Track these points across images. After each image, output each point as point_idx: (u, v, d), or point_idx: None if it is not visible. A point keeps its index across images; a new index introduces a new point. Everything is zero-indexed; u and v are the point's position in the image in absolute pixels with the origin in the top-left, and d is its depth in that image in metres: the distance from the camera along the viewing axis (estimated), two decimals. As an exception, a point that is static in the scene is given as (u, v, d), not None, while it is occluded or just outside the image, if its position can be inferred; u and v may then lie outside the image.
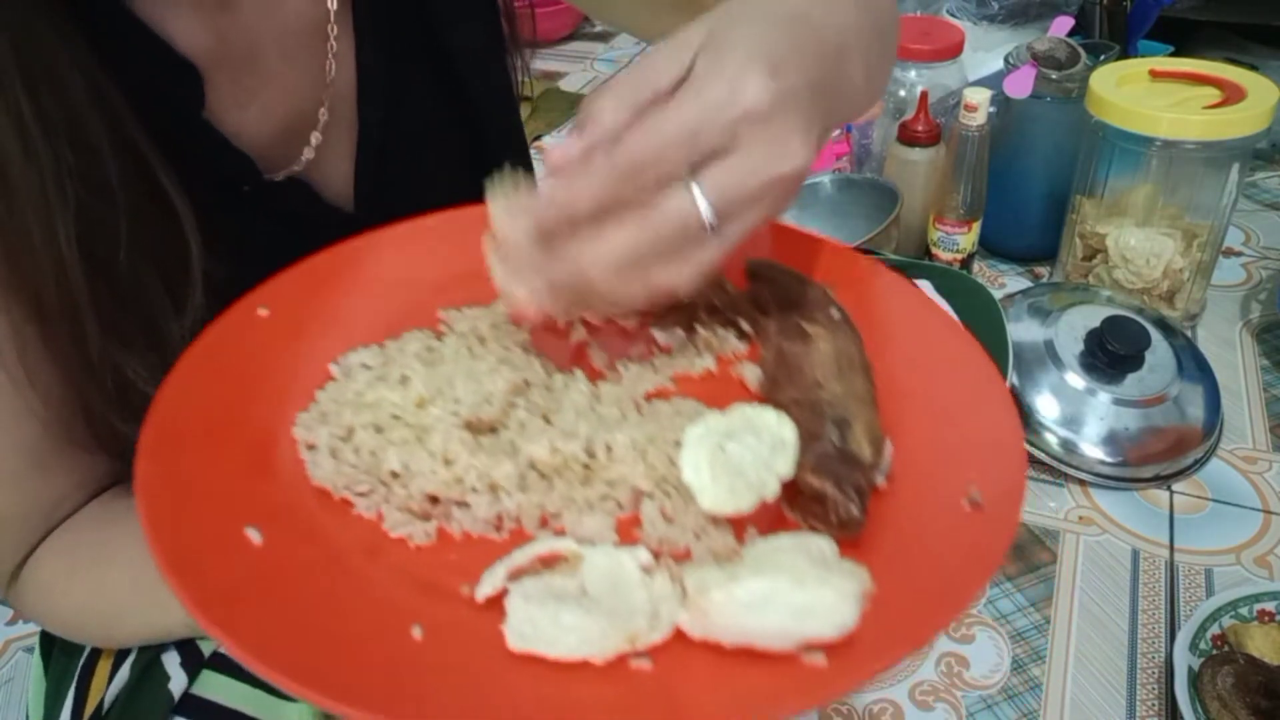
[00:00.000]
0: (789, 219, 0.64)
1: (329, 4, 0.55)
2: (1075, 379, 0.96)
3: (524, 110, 1.75)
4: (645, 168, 0.35)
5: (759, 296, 0.49)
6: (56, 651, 0.55)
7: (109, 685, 0.49)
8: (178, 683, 0.47)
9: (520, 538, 0.37)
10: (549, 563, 0.34)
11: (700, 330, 0.48)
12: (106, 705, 0.49)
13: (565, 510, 0.38)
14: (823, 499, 0.36)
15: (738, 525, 0.37)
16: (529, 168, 0.70)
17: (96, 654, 0.52)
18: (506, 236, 0.38)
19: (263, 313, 0.44)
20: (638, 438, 0.39)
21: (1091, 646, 0.82)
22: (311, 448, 0.39)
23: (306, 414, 0.41)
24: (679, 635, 0.31)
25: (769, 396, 0.43)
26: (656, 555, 0.35)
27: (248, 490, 0.36)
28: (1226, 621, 0.78)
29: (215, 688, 0.47)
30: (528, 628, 0.31)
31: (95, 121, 0.43)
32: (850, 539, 0.35)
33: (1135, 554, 0.90)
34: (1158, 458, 0.95)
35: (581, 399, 0.42)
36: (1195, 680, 0.73)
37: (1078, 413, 0.96)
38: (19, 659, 0.88)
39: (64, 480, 0.49)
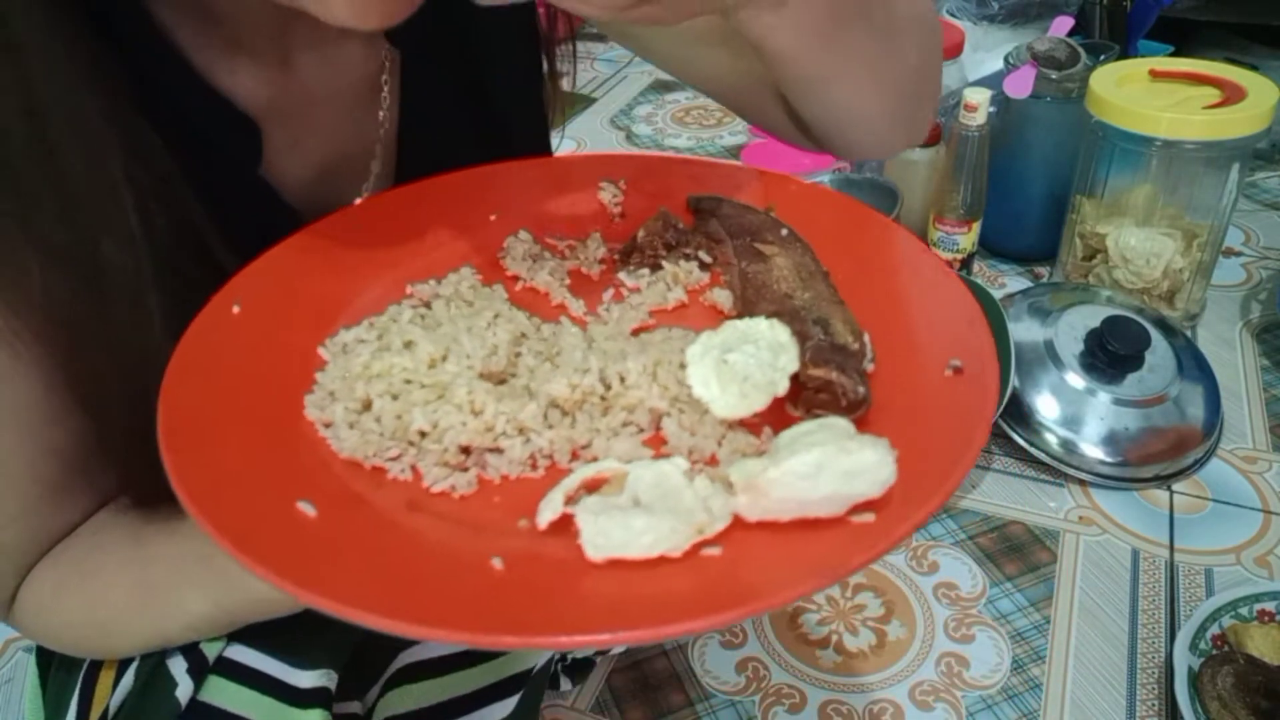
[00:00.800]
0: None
1: (383, 57, 0.54)
2: (1075, 379, 0.96)
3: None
4: None
5: (709, 229, 0.51)
6: (56, 663, 0.54)
7: (113, 692, 0.49)
8: (184, 689, 0.47)
9: (556, 472, 0.38)
10: (594, 486, 0.36)
11: (664, 266, 0.50)
12: (111, 712, 0.48)
13: (593, 440, 0.39)
14: (829, 386, 0.38)
15: (754, 427, 0.39)
16: None
17: (98, 662, 0.51)
18: None
19: (236, 310, 0.44)
20: (646, 363, 0.41)
21: (1091, 646, 0.82)
22: (329, 425, 0.40)
23: (313, 395, 0.41)
24: (737, 522, 0.34)
25: (745, 314, 0.45)
26: (691, 462, 0.37)
27: (282, 473, 0.37)
28: (1226, 621, 0.78)
29: (222, 694, 0.47)
30: (601, 539, 0.32)
31: (186, 216, 0.44)
32: (860, 419, 0.38)
33: (1135, 554, 0.90)
34: (1158, 458, 0.95)
35: (577, 341, 0.44)
36: (1195, 680, 0.73)
37: (1078, 413, 0.96)
38: (19, 659, 0.88)
39: (75, 512, 0.49)
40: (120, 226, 0.41)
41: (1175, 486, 0.96)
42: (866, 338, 0.42)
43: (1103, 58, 1.17)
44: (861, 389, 0.38)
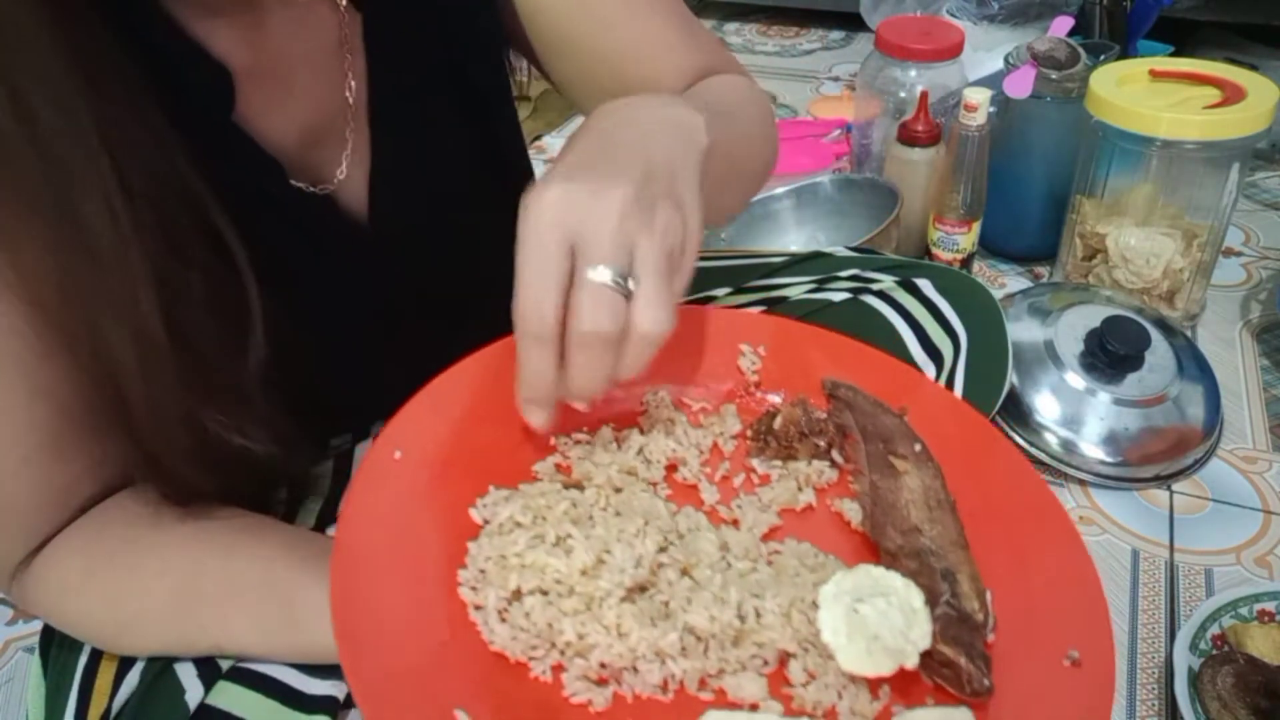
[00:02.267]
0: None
1: (343, 22, 0.55)
2: (1075, 379, 0.96)
3: (523, 110, 1.74)
4: (535, 287, 0.40)
5: (842, 421, 0.53)
6: (55, 649, 0.54)
7: (116, 690, 0.49)
8: (193, 694, 0.46)
9: (684, 697, 0.42)
10: None
11: (797, 459, 0.53)
12: (115, 711, 0.48)
13: (723, 672, 0.42)
14: (954, 666, 0.40)
15: (873, 684, 0.41)
16: (529, 170, 0.70)
17: (98, 656, 0.51)
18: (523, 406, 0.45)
19: (397, 455, 0.46)
20: (782, 602, 0.44)
21: (1091, 646, 0.82)
22: (479, 609, 0.42)
23: (466, 572, 0.44)
24: None
25: (874, 539, 0.48)
26: (809, 716, 0.40)
27: (442, 674, 0.39)
28: (1226, 621, 0.78)
29: (232, 699, 0.46)
30: None
31: (169, 172, 0.44)
32: (978, 703, 0.40)
33: (1135, 554, 0.90)
34: (1158, 458, 0.95)
35: (712, 548, 0.47)
36: (1195, 680, 0.73)
37: (1078, 413, 0.96)
38: (19, 659, 0.88)
39: (77, 465, 0.49)
40: (94, 182, 0.40)
41: (1175, 486, 0.96)
42: (990, 600, 0.44)
43: (1103, 58, 1.17)
44: (986, 681, 0.40)
